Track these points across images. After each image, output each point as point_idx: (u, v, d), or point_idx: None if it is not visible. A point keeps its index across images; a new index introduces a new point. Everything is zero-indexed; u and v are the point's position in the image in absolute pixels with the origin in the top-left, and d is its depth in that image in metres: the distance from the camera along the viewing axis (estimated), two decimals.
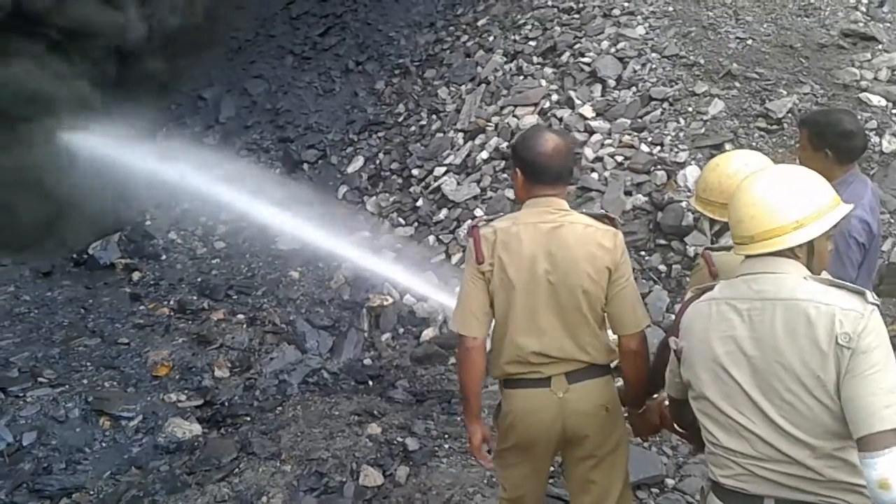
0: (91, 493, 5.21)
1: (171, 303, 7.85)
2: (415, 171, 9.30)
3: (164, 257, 8.93)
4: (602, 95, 8.48)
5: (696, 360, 2.33)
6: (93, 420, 5.97)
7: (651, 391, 3.19)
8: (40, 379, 6.44)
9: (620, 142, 7.81)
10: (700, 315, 2.35)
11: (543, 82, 9.04)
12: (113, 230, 9.35)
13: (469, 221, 8.03)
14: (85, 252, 9.05)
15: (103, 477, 5.35)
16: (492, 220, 3.14)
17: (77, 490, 5.20)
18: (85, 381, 6.45)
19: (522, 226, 2.98)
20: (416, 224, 8.76)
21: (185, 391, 6.38)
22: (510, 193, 8.09)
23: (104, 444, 5.75)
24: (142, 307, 7.80)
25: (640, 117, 8.01)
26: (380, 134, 10.19)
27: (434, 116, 9.84)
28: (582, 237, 2.93)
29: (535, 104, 8.86)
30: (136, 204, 9.86)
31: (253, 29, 12.84)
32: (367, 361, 7.04)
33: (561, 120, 8.35)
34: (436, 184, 8.91)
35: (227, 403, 6.22)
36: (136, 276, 8.51)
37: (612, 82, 8.56)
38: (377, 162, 9.81)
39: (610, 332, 3.11)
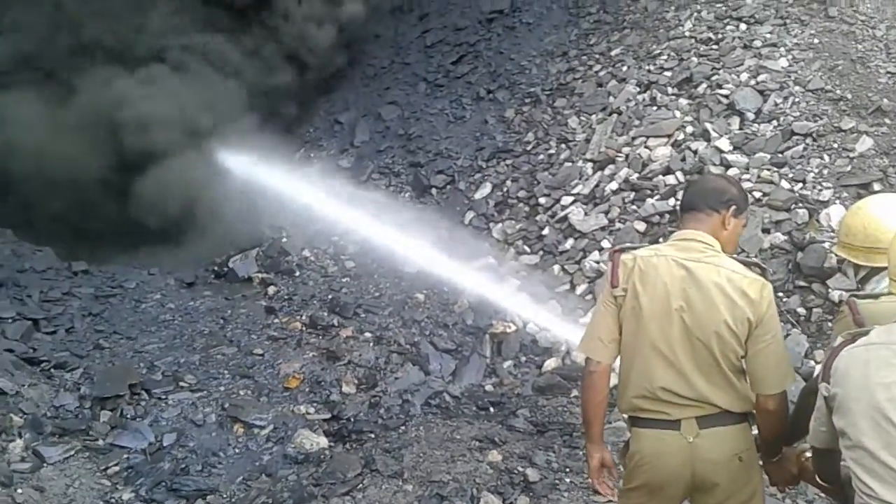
0: (224, 496, 5.48)
1: (304, 318, 8.16)
2: (542, 200, 9.33)
3: (297, 273, 9.31)
4: (740, 128, 8.25)
5: (854, 408, 2.22)
6: (227, 426, 6.28)
7: (790, 441, 3.06)
8: (181, 383, 6.84)
9: (759, 177, 7.56)
10: (857, 360, 2.24)
11: (678, 113, 8.89)
12: (251, 246, 9.87)
13: (609, 247, 8.03)
14: (226, 265, 9.58)
15: (236, 482, 5.61)
16: (637, 247, 3.03)
17: (211, 492, 5.48)
18: (222, 388, 6.81)
19: (662, 258, 2.87)
20: (541, 252, 8.77)
21: (314, 404, 6.61)
22: (640, 226, 7.99)
23: (237, 450, 6.03)
24: (276, 320, 8.15)
25: (781, 152, 7.73)
26: (508, 161, 10.29)
27: (563, 145, 9.84)
28: (724, 282, 2.76)
29: (669, 135, 8.72)
30: (273, 221, 10.39)
31: (388, 57, 13.30)
32: (489, 387, 7.08)
33: (696, 152, 8.17)
34: (563, 213, 8.90)
35: (353, 419, 6.40)
36: (271, 290, 8.92)
37: (751, 115, 8.31)
38: (504, 189, 9.91)
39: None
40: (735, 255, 2.90)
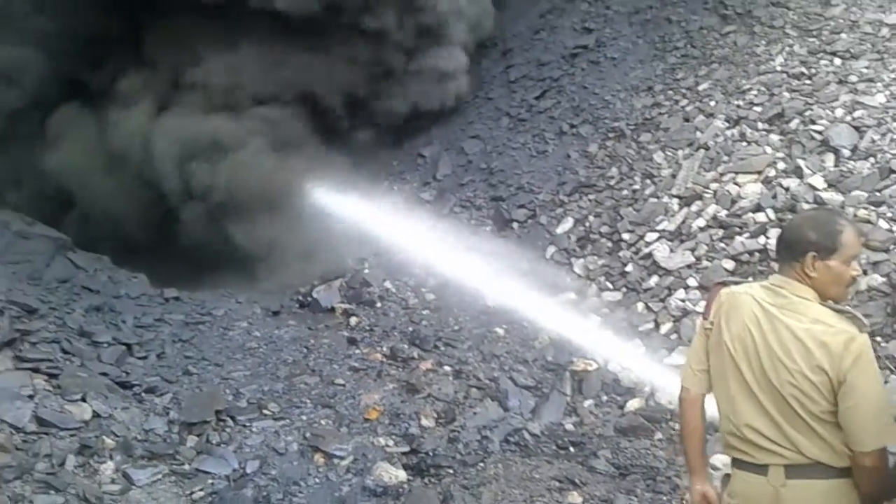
0: None
1: (384, 349, 8.24)
2: (625, 236, 9.20)
3: (378, 305, 9.41)
4: (835, 166, 7.96)
5: None
6: (308, 455, 6.36)
7: (891, 499, 2.90)
8: (265, 411, 6.99)
9: (855, 216, 7.26)
10: None
11: (769, 149, 8.66)
12: (335, 276, 10.04)
13: (695, 285, 7.89)
14: (310, 295, 9.77)
15: None
16: (738, 282, 3.01)
17: None
18: (304, 417, 6.91)
19: (749, 297, 2.85)
20: (624, 289, 8.63)
21: (393, 436, 6.63)
22: (728, 264, 7.78)
23: (317, 480, 6.09)
24: (357, 351, 8.25)
25: (879, 191, 7.41)
26: (591, 196, 10.20)
27: (648, 181, 9.71)
28: (803, 331, 2.67)
29: (759, 172, 8.49)
30: (356, 252, 10.55)
31: (472, 92, 13.43)
32: (569, 426, 6.96)
33: (787, 190, 7.93)
34: (647, 249, 8.75)
35: (431, 453, 6.38)
36: (353, 320, 9.03)
37: (846, 152, 8.02)
38: (587, 224, 9.82)
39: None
40: (830, 305, 2.78)
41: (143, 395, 6.96)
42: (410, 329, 8.73)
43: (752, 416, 2.77)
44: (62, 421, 6.06)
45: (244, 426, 6.72)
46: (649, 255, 8.66)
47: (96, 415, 6.30)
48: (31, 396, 6.22)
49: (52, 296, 8.42)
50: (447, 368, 7.80)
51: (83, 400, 6.36)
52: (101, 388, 6.68)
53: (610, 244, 9.33)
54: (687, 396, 3.06)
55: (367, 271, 10.18)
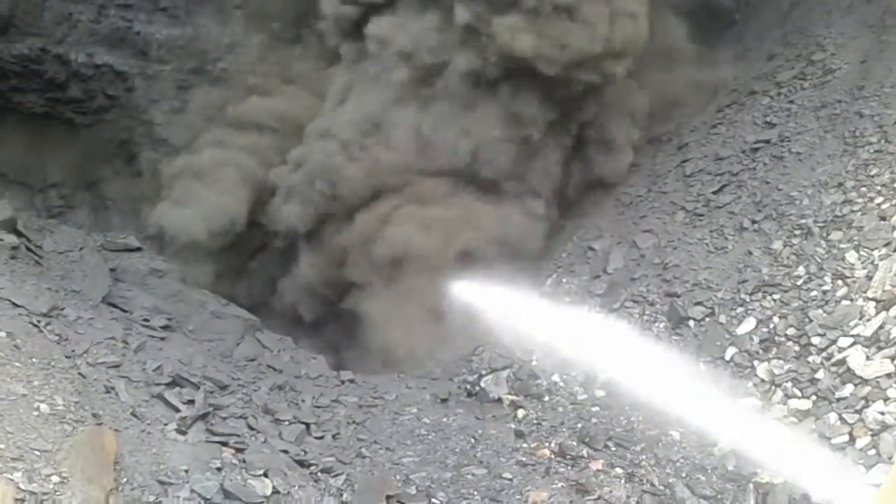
0: None
1: (552, 445, 8.09)
2: (815, 340, 8.60)
3: (546, 398, 9.30)
4: None
5: None
6: None
7: None
8: (433, 500, 7.00)
9: None
10: None
11: None
12: (503, 366, 10.05)
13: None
14: (477, 384, 9.81)
15: None
16: None
17: None
18: None
19: None
20: (814, 397, 8.03)
21: None
22: None
23: None
24: (524, 444, 8.15)
25: None
26: (775, 296, 9.66)
27: (840, 282, 9.09)
28: None
29: None
30: (524, 344, 10.52)
31: (645, 185, 13.30)
32: None
33: None
34: (840, 355, 8.14)
35: None
36: (520, 413, 8.96)
37: None
38: (771, 325, 9.28)
39: None
40: None
41: (318, 474, 7.20)
42: (579, 425, 8.53)
43: None
44: (246, 495, 6.37)
45: None
46: (843, 361, 8.05)
47: (276, 491, 6.58)
48: (219, 469, 6.62)
49: (241, 373, 9.01)
50: (619, 470, 7.53)
51: (265, 476, 6.68)
52: (282, 465, 6.99)
53: (797, 348, 8.75)
54: None
55: (534, 363, 10.12)
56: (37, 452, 5.78)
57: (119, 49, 14.94)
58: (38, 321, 7.73)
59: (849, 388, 7.76)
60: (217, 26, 16.06)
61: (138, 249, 11.01)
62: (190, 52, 15.80)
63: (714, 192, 11.96)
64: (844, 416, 7.54)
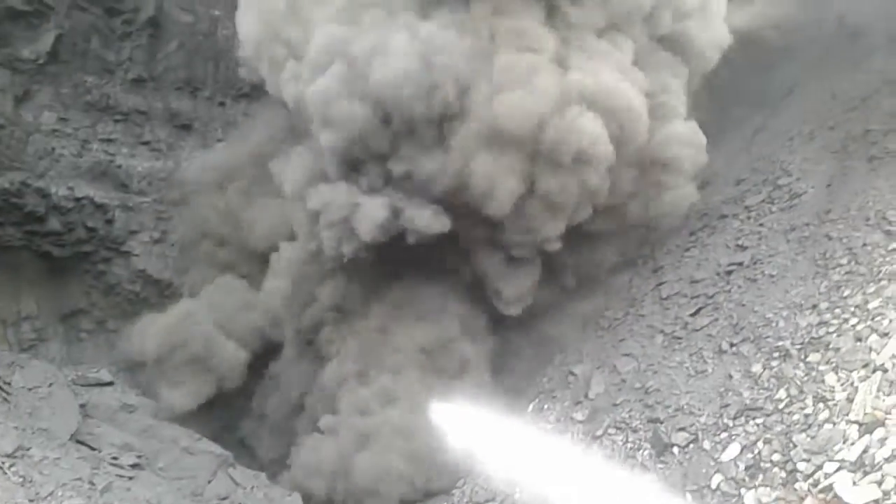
0: None
1: None
2: (800, 465, 8.42)
3: None
4: None
5: None
6: None
7: None
8: None
9: None
10: None
11: None
12: (485, 500, 9.79)
13: None
14: None
15: None
16: None
17: None
18: None
19: None
20: None
21: None
22: None
23: None
24: None
25: None
26: (758, 420, 9.53)
27: (821, 405, 9.00)
28: None
29: None
30: (508, 475, 10.24)
31: (623, 308, 13.38)
32: None
33: None
34: (826, 481, 7.94)
35: None
36: None
37: None
38: (756, 451, 9.10)
39: None
40: None
41: None
42: None
43: None
44: None
45: None
46: (830, 487, 7.84)
47: None
48: None
49: None
50: None
51: None
52: None
53: (784, 474, 8.55)
54: None
55: (517, 496, 9.80)
56: None
57: (100, 182, 15.22)
58: (3, 462, 7.46)
59: None
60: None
61: (110, 384, 10.81)
62: (171, 184, 16.13)
63: (691, 315, 12.04)
64: None
